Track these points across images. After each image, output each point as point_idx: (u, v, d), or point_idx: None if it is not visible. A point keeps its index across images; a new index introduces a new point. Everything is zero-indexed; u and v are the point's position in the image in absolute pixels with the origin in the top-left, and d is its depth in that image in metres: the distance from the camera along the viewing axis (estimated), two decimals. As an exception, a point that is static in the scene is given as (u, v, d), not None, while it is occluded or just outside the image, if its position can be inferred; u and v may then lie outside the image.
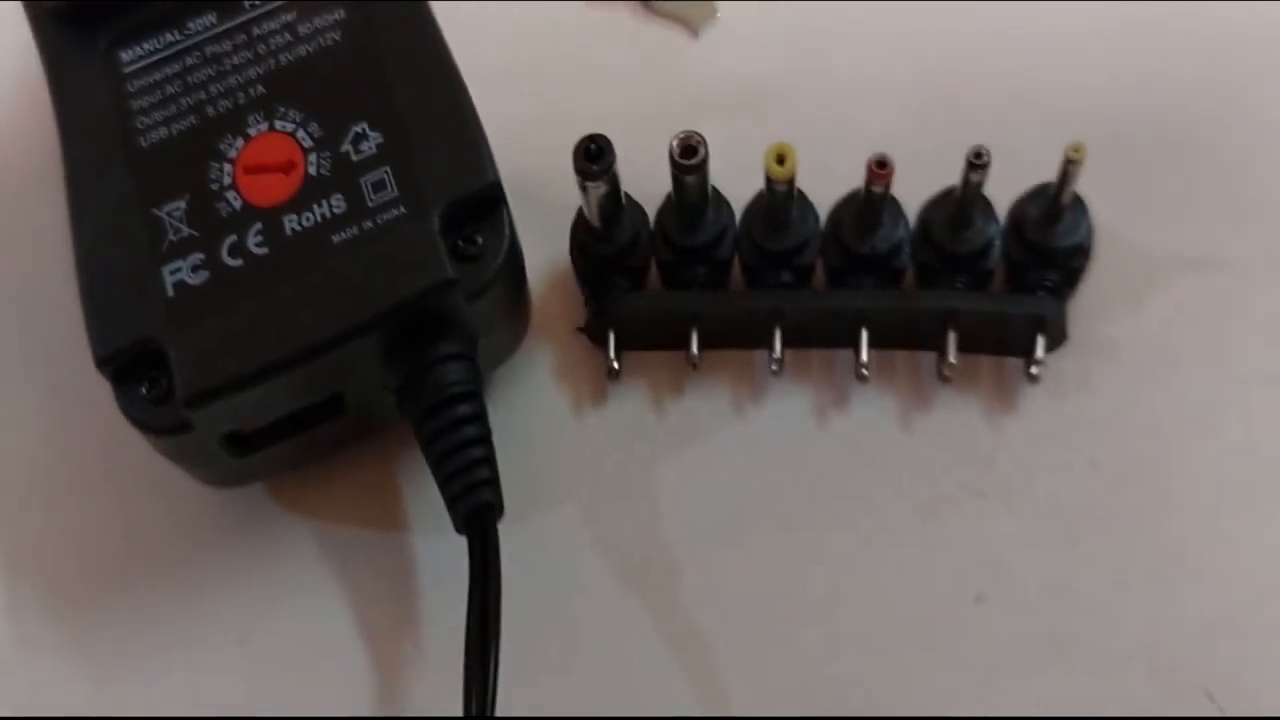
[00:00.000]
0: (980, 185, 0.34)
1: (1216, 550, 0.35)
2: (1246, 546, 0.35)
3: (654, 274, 0.38)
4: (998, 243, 0.36)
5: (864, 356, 0.36)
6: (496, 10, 0.43)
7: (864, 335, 0.36)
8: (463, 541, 0.34)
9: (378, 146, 0.34)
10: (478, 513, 0.34)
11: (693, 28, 0.43)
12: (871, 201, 0.35)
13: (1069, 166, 0.33)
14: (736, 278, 0.38)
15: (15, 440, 0.39)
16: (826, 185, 0.36)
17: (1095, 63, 0.41)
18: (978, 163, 0.33)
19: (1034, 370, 0.36)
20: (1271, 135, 0.40)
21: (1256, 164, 0.40)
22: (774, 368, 0.36)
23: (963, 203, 0.35)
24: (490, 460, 0.34)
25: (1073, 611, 0.35)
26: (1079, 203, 0.36)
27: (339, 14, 0.36)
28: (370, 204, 0.33)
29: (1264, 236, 0.39)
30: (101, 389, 0.33)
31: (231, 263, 0.33)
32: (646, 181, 0.36)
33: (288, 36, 0.36)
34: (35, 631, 0.37)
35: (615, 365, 0.37)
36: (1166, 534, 0.35)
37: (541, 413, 0.38)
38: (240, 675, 0.36)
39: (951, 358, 0.36)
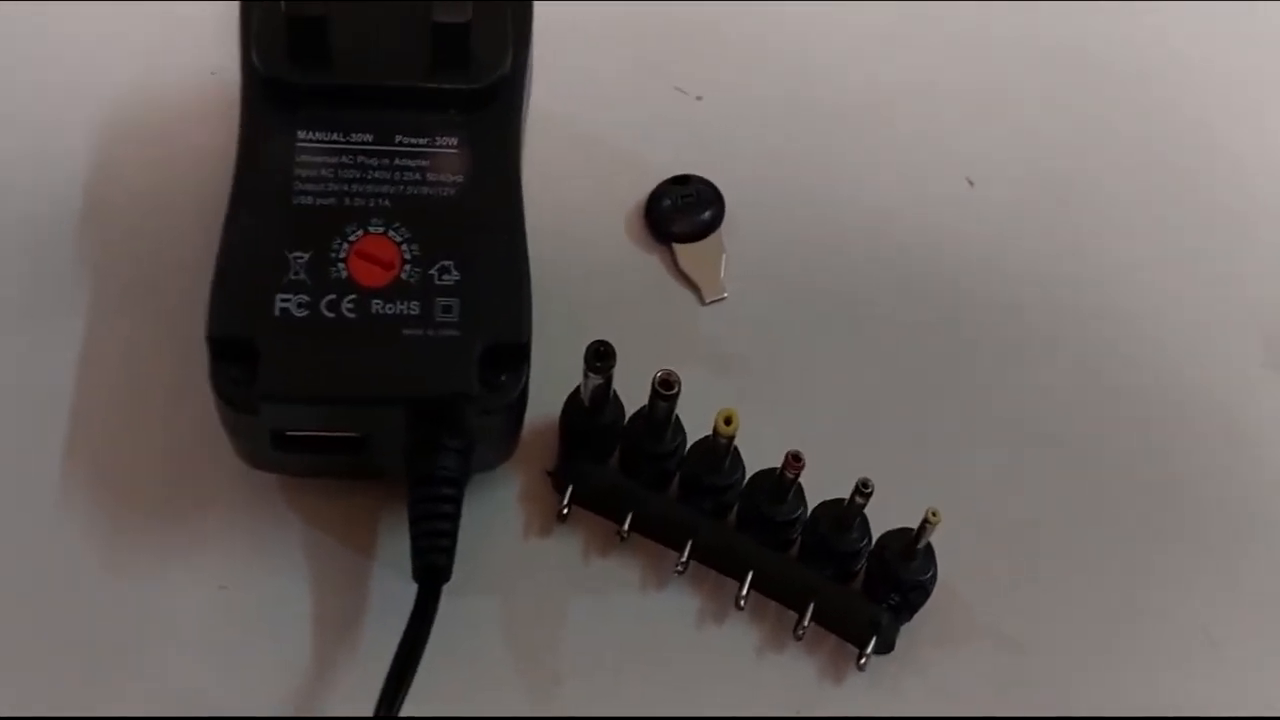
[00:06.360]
0: (862, 507, 0.43)
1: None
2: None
3: (617, 457, 0.46)
4: (866, 553, 0.45)
5: (744, 591, 0.45)
6: (563, 221, 0.50)
7: (749, 577, 0.45)
8: (413, 586, 0.42)
9: (455, 282, 0.43)
10: (432, 570, 0.42)
11: (703, 296, 0.51)
12: (783, 482, 0.43)
13: (925, 525, 0.42)
14: (675, 489, 0.46)
15: (123, 373, 0.48)
16: (758, 452, 0.45)
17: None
18: (863, 490, 0.42)
19: (863, 661, 0.44)
20: (1091, 551, 0.47)
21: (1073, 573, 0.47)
22: (679, 569, 0.45)
23: (846, 514, 0.44)
24: (453, 535, 0.42)
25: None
26: (930, 553, 0.44)
27: (459, 178, 0.44)
28: (437, 319, 0.42)
29: (1057, 639, 0.46)
30: (201, 357, 0.42)
31: (327, 313, 0.42)
32: (633, 389, 0.44)
33: (418, 175, 0.44)
34: (84, 518, 0.46)
35: (564, 512, 0.46)
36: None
37: (501, 524, 0.47)
38: (217, 614, 0.45)
39: (805, 623, 0.44)
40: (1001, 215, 0.55)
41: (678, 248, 0.52)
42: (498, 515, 0.47)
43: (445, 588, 0.42)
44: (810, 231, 0.54)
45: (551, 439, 0.47)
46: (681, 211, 0.53)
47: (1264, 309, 0.54)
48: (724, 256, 0.52)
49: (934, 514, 0.42)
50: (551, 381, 0.45)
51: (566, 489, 0.46)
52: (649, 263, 0.52)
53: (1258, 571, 0.49)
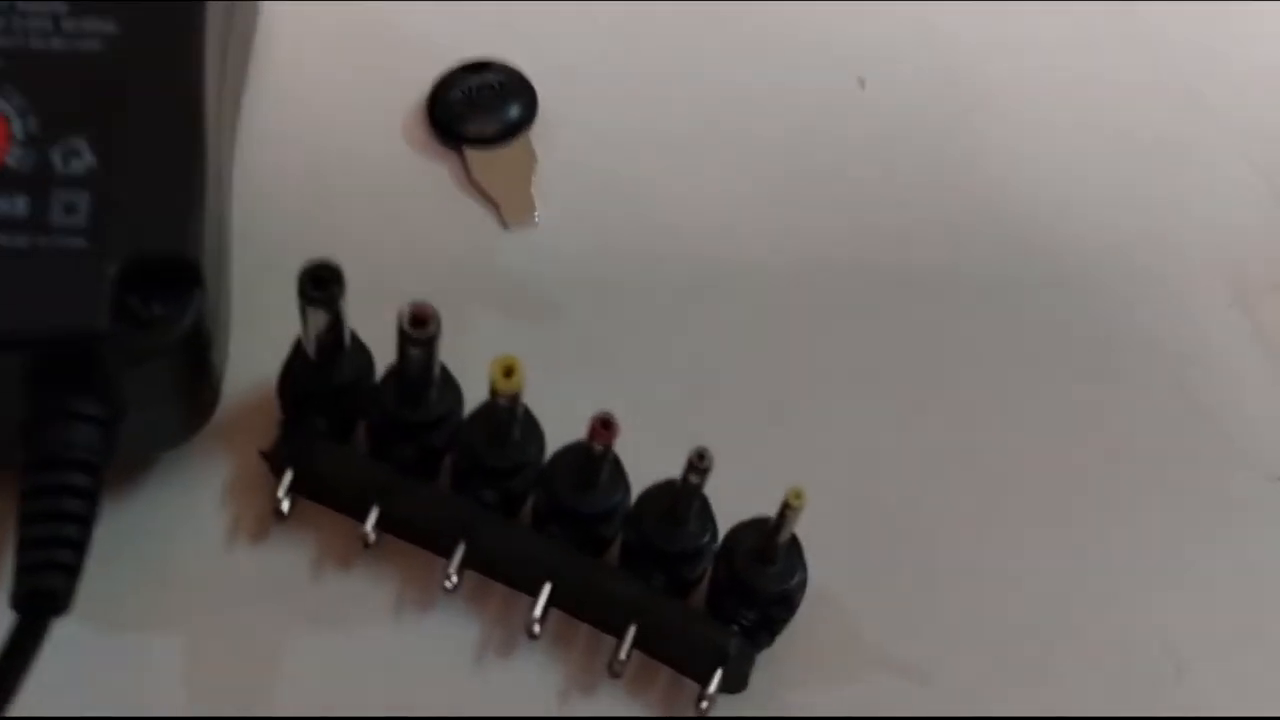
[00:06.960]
0: (698, 488, 0.34)
1: None
2: None
3: (364, 432, 0.38)
4: (708, 555, 0.36)
5: (537, 612, 0.36)
6: (319, 120, 0.44)
7: (545, 590, 0.36)
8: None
9: (87, 169, 0.33)
10: (37, 596, 0.33)
11: (504, 218, 0.44)
12: (591, 458, 0.34)
13: (786, 511, 0.33)
14: (447, 473, 0.38)
15: None
16: (570, 424, 0.36)
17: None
18: (699, 465, 0.33)
19: (704, 704, 0.36)
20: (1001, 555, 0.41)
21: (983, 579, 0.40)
22: (448, 584, 0.36)
23: (679, 501, 0.34)
24: (80, 545, 0.33)
25: None
26: (796, 552, 0.36)
27: (110, 26, 0.36)
28: (53, 222, 0.33)
29: (972, 666, 0.39)
30: None
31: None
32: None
33: (49, 24, 0.36)
34: None
35: (284, 508, 0.36)
36: None
37: (190, 525, 0.38)
38: None
39: (623, 654, 0.36)
40: (900, 123, 0.48)
41: (471, 154, 0.45)
42: (191, 514, 0.38)
43: (101, 621, 0.35)
44: (650, 138, 0.47)
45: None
46: (478, 107, 0.45)
47: (1230, 240, 0.47)
48: (535, 167, 0.45)
49: (797, 495, 0.33)
50: (291, 332, 0.37)
51: (286, 474, 0.36)
52: (433, 173, 0.45)
53: (1235, 572, 0.42)
